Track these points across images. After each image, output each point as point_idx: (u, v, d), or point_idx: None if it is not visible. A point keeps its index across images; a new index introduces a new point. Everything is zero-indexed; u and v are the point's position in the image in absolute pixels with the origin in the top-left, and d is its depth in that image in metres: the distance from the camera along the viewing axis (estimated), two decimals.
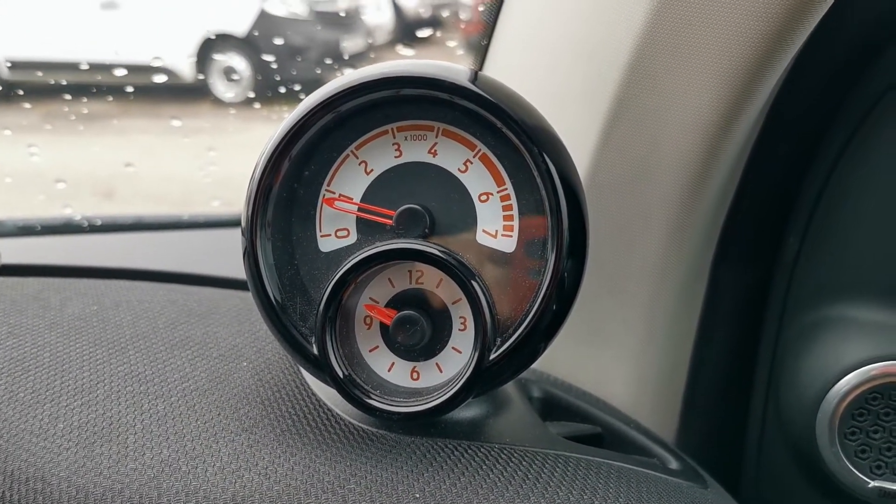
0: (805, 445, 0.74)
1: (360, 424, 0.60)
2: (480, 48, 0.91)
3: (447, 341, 0.60)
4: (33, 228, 1.11)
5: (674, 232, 0.74)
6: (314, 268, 0.61)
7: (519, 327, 0.58)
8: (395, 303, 0.60)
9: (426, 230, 0.59)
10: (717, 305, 0.81)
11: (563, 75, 0.79)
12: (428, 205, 0.60)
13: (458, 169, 0.60)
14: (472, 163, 0.60)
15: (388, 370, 0.61)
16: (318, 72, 3.33)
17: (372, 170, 0.61)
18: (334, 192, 0.61)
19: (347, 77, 0.58)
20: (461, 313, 0.60)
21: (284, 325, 0.59)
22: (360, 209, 0.60)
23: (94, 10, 3.22)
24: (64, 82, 2.29)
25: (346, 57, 3.39)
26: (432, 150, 0.60)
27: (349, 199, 0.61)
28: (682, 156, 0.70)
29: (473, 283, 0.57)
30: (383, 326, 0.60)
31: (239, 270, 0.61)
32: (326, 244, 0.61)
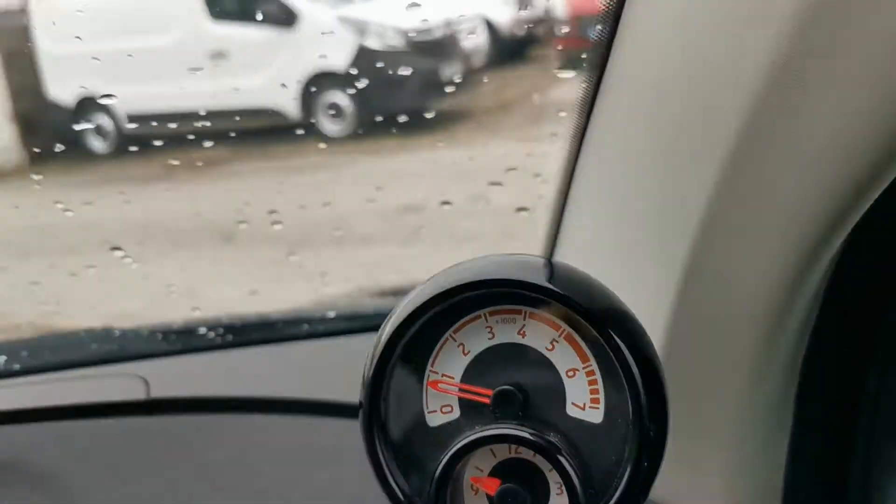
0: None
1: None
2: (551, 234, 0.98)
3: None
4: (174, 346, 1.19)
5: (754, 377, 0.78)
6: (425, 443, 0.69)
7: (614, 493, 0.64)
8: (498, 471, 0.68)
9: (521, 409, 0.66)
10: (805, 436, 0.84)
11: (636, 232, 0.83)
12: (521, 381, 0.67)
13: (546, 347, 0.66)
14: (558, 342, 0.66)
15: None
16: (420, 101, 3.41)
17: (469, 351, 0.68)
18: (437, 373, 0.69)
19: (443, 280, 0.66)
20: (557, 479, 0.66)
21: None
22: (460, 389, 0.68)
23: (205, 61, 3.40)
24: (190, 135, 2.43)
25: (445, 83, 3.46)
26: (521, 332, 0.67)
27: (451, 380, 0.68)
28: (758, 306, 0.74)
29: (560, 458, 0.64)
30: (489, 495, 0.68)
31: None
32: (433, 420, 0.69)
